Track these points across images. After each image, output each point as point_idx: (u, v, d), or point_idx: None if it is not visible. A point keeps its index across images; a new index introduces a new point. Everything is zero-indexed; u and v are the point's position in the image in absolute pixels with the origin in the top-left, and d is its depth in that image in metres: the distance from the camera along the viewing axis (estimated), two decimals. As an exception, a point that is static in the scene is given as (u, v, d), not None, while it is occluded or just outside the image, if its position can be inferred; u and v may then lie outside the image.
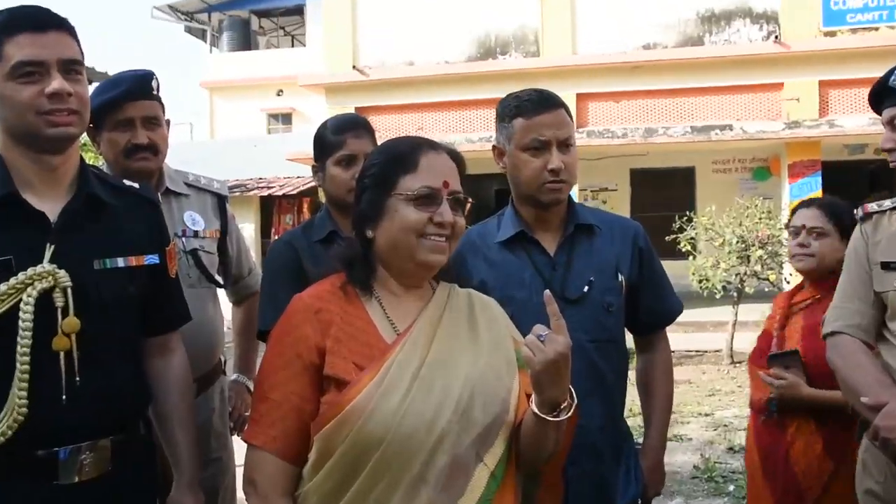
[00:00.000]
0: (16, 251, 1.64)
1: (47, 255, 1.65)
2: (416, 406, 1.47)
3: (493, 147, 2.19)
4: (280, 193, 15.19)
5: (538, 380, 1.46)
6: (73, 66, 1.68)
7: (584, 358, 2.02)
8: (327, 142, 2.34)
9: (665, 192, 14.98)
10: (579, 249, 2.12)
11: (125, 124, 2.32)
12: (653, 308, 2.22)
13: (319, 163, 2.39)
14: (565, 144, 2.06)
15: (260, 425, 1.55)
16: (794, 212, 2.83)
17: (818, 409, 2.54)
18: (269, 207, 15.98)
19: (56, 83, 1.64)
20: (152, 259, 1.83)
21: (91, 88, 1.98)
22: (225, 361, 2.77)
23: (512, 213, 2.17)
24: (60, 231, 1.68)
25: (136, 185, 1.91)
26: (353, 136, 2.31)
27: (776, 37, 13.24)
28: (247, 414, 2.78)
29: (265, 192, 15.36)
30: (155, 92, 2.39)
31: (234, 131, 21.48)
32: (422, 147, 1.62)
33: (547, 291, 1.50)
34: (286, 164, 15.12)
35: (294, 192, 15.14)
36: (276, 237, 15.13)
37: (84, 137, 1.97)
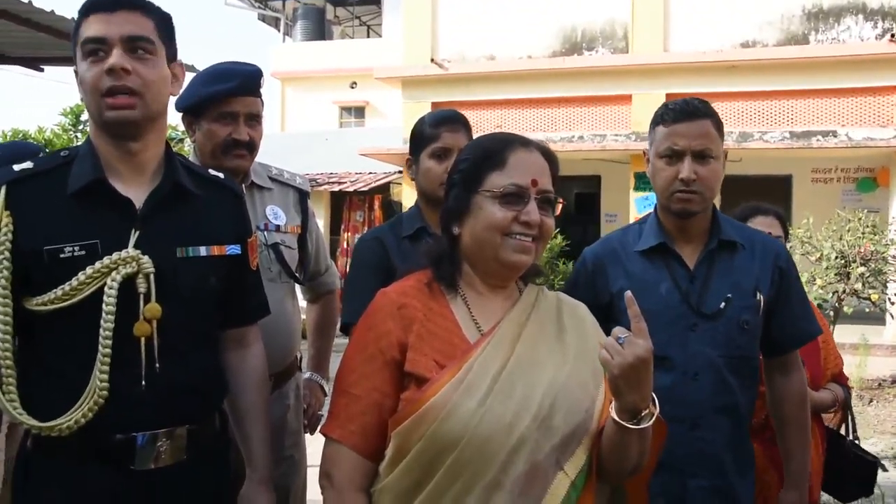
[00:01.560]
0: (102, 236, 1.73)
1: (132, 240, 1.74)
2: (495, 409, 1.50)
3: (643, 153, 2.29)
4: (351, 189, 15.39)
5: (616, 384, 1.48)
6: (138, 44, 1.73)
7: (716, 373, 2.11)
8: (423, 135, 2.42)
9: (759, 201, 14.58)
10: (719, 265, 2.17)
11: (228, 117, 2.42)
12: (786, 328, 2.24)
13: (414, 156, 2.46)
14: (702, 155, 2.11)
15: (339, 419, 1.61)
16: None
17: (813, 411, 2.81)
18: (340, 203, 16.21)
19: (113, 58, 1.70)
20: (234, 250, 1.91)
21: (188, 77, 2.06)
22: (301, 358, 2.87)
23: (654, 221, 2.25)
24: (145, 217, 1.77)
25: (221, 175, 1.99)
26: (448, 129, 2.38)
27: (893, 35, 12.77)
28: (321, 413, 2.88)
29: (336, 188, 15.59)
30: (260, 89, 2.49)
31: (305, 123, 21.85)
32: (513, 144, 1.66)
33: (628, 292, 1.53)
34: (358, 159, 15.32)
35: (365, 188, 15.33)
36: (347, 233, 15.21)
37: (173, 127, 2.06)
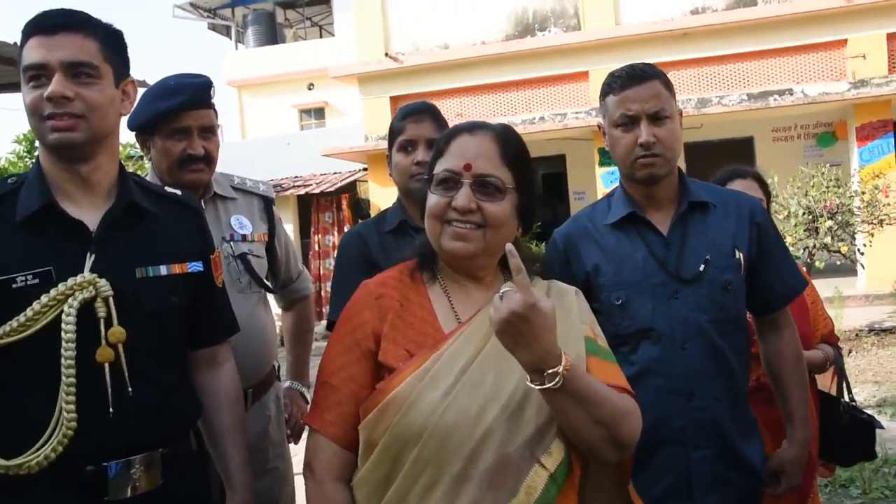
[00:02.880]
0: (56, 262, 1.67)
1: (88, 264, 1.68)
2: (459, 400, 1.47)
3: (598, 126, 2.26)
4: (317, 191, 15.33)
5: (502, 343, 1.41)
6: (81, 69, 1.67)
7: (705, 338, 2.07)
8: (392, 129, 2.41)
9: (723, 164, 14.69)
10: (693, 227, 2.14)
11: (181, 133, 2.37)
12: (772, 285, 2.22)
13: (389, 152, 2.44)
14: (657, 117, 2.08)
15: (318, 409, 1.60)
16: None
17: None
18: (307, 206, 16.13)
19: (53, 86, 1.64)
20: (196, 267, 1.86)
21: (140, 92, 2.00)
22: (278, 367, 2.83)
23: (622, 193, 2.21)
24: (101, 240, 1.71)
25: (178, 192, 1.94)
26: (413, 121, 2.36)
27: (838, -11, 12.91)
28: (303, 422, 2.85)
29: (302, 191, 15.51)
30: (212, 100, 2.44)
31: (265, 129, 21.70)
32: (460, 131, 1.63)
33: (509, 244, 1.43)
34: (322, 160, 15.25)
35: (332, 188, 15.27)
36: (317, 236, 15.13)
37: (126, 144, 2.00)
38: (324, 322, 2.51)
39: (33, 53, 1.67)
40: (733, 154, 14.96)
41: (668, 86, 2.12)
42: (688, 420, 2.06)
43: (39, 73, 1.66)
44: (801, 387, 2.27)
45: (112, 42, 1.75)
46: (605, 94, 2.16)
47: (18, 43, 1.73)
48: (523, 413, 1.49)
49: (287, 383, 2.93)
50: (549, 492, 1.47)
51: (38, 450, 1.61)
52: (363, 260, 2.29)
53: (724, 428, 2.08)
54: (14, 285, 1.64)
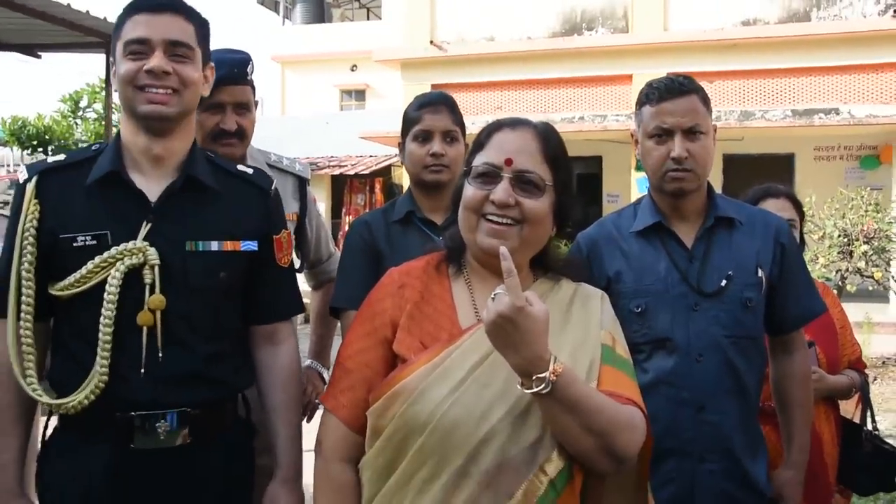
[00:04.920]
0: (113, 227, 1.80)
1: (142, 232, 1.80)
2: (466, 397, 1.47)
3: (631, 135, 2.26)
4: (352, 173, 15.38)
5: (493, 344, 1.41)
6: (179, 48, 1.81)
7: (721, 354, 2.08)
8: (407, 118, 2.41)
9: (760, 179, 14.48)
10: (718, 242, 2.14)
11: (216, 107, 2.40)
12: (789, 307, 2.22)
13: (402, 140, 2.44)
14: (692, 132, 2.08)
15: (333, 390, 1.63)
16: None
17: (829, 396, 2.88)
18: (341, 187, 16.21)
19: (154, 60, 1.78)
20: (249, 245, 1.92)
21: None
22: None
23: (649, 202, 2.22)
24: (158, 211, 1.82)
25: (250, 171, 2.01)
26: (430, 111, 2.36)
27: (895, 11, 12.67)
28: (317, 401, 2.88)
29: (337, 172, 15.58)
30: (249, 76, 2.46)
31: (305, 107, 21.80)
32: (501, 125, 1.63)
33: (502, 247, 1.43)
34: (359, 142, 15.29)
35: (366, 171, 15.32)
36: (349, 217, 15.24)
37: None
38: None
39: (138, 29, 1.80)
40: (772, 170, 14.81)
41: (706, 101, 2.13)
42: (696, 432, 2.07)
43: (140, 48, 1.79)
44: (805, 410, 2.27)
45: (203, 29, 1.90)
46: (641, 103, 2.16)
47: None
48: (529, 417, 1.48)
49: (307, 362, 2.96)
50: (548, 497, 1.47)
51: (76, 394, 1.77)
52: (367, 248, 2.31)
53: (732, 444, 2.09)
54: (74, 244, 1.79)
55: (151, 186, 1.84)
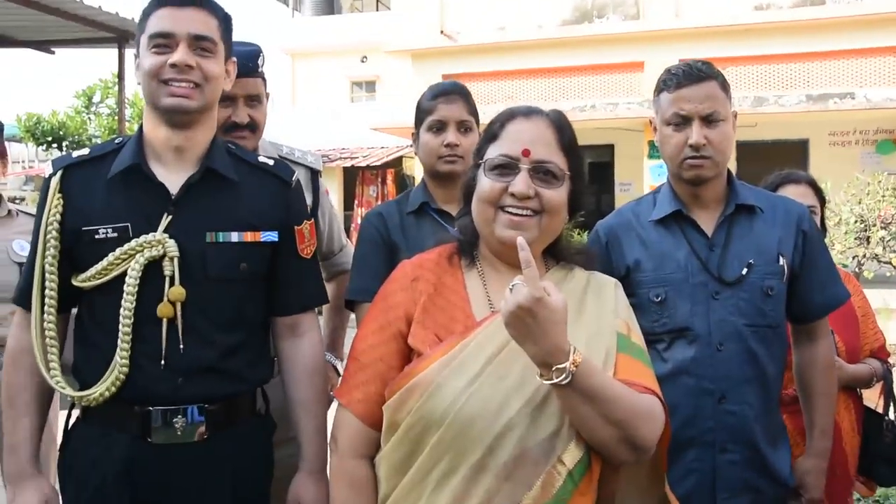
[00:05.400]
0: (134, 219, 1.82)
1: (162, 224, 1.81)
2: (483, 390, 1.46)
3: (650, 122, 2.24)
4: (363, 164, 15.39)
5: (511, 336, 1.41)
6: (203, 42, 1.82)
7: (741, 343, 2.06)
8: (421, 108, 2.40)
9: (775, 166, 14.36)
10: (738, 230, 2.12)
11: (227, 100, 2.37)
12: (813, 295, 2.19)
13: (416, 130, 2.43)
14: (710, 119, 2.06)
15: (347, 385, 1.62)
16: None
17: (849, 385, 2.86)
18: (352, 178, 16.22)
19: (178, 54, 1.79)
20: (270, 236, 1.92)
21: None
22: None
23: (668, 190, 2.20)
24: (179, 203, 1.84)
25: (270, 162, 2.01)
26: (444, 101, 2.35)
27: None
28: (331, 393, 2.89)
29: (348, 163, 15.58)
30: (260, 69, 2.46)
31: (316, 98, 21.79)
32: (514, 115, 1.61)
33: (520, 238, 1.43)
34: (369, 133, 15.29)
35: (378, 163, 15.32)
36: (360, 209, 15.23)
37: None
38: None
39: (163, 23, 1.81)
40: (786, 156, 14.72)
41: (725, 87, 2.10)
42: (717, 422, 2.05)
43: (164, 42, 1.80)
44: (829, 398, 2.25)
45: (227, 24, 1.91)
46: (659, 90, 2.14)
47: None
48: (546, 408, 1.47)
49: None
50: (566, 488, 1.46)
51: (98, 386, 1.80)
52: (381, 240, 2.31)
53: (753, 434, 2.07)
54: (97, 236, 1.82)
55: (172, 179, 1.85)
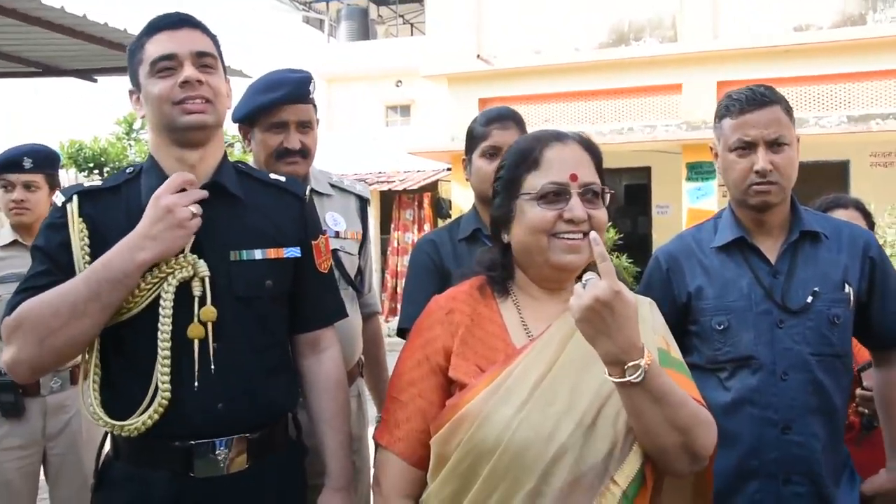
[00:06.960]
0: None
1: (188, 245, 1.79)
2: (533, 417, 1.45)
3: (710, 148, 2.22)
4: (400, 188, 15.45)
5: (582, 331, 1.38)
6: (205, 59, 1.83)
7: (807, 372, 2.03)
8: (474, 134, 2.40)
9: (814, 188, 14.19)
10: (803, 257, 2.09)
11: (279, 126, 2.42)
12: (887, 321, 2.15)
13: (468, 156, 2.43)
14: (776, 144, 2.03)
15: (387, 425, 1.61)
16: None
17: None
18: (389, 202, 16.28)
19: (187, 72, 1.79)
20: (292, 252, 1.92)
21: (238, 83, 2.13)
22: (363, 364, 2.84)
23: (730, 216, 2.17)
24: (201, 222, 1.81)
25: (282, 179, 2.01)
26: (498, 127, 2.34)
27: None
28: (373, 438, 2.86)
29: (385, 187, 15.65)
30: (311, 95, 2.49)
31: (351, 123, 21.99)
32: (546, 140, 1.61)
33: (593, 233, 1.43)
34: (406, 157, 15.35)
35: (414, 186, 15.36)
36: (397, 232, 15.22)
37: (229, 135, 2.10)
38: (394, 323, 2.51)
39: (164, 45, 1.82)
40: (826, 178, 14.48)
41: (789, 111, 2.07)
42: (781, 453, 2.01)
43: (169, 65, 1.80)
44: None
45: (217, 43, 1.92)
46: (721, 116, 2.12)
47: (125, 30, 1.86)
48: (597, 429, 1.46)
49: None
50: None
51: (138, 416, 1.75)
52: (435, 268, 2.31)
53: (819, 465, 2.02)
54: None
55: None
